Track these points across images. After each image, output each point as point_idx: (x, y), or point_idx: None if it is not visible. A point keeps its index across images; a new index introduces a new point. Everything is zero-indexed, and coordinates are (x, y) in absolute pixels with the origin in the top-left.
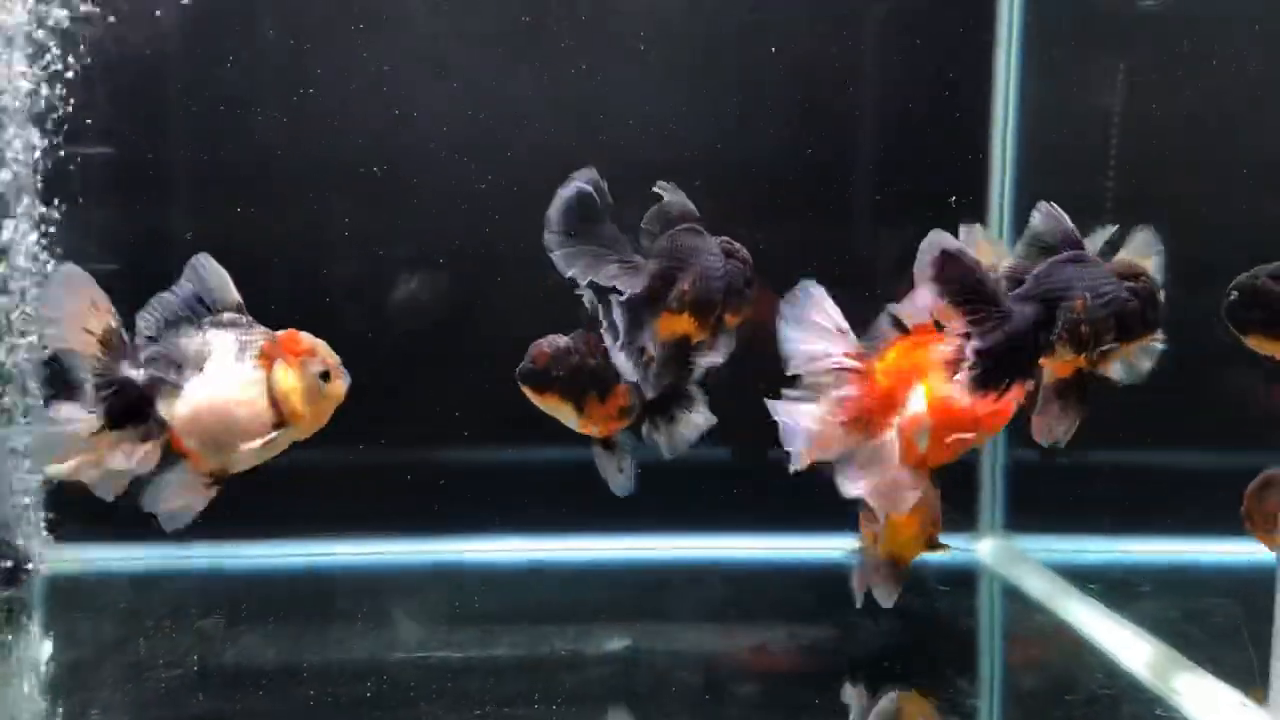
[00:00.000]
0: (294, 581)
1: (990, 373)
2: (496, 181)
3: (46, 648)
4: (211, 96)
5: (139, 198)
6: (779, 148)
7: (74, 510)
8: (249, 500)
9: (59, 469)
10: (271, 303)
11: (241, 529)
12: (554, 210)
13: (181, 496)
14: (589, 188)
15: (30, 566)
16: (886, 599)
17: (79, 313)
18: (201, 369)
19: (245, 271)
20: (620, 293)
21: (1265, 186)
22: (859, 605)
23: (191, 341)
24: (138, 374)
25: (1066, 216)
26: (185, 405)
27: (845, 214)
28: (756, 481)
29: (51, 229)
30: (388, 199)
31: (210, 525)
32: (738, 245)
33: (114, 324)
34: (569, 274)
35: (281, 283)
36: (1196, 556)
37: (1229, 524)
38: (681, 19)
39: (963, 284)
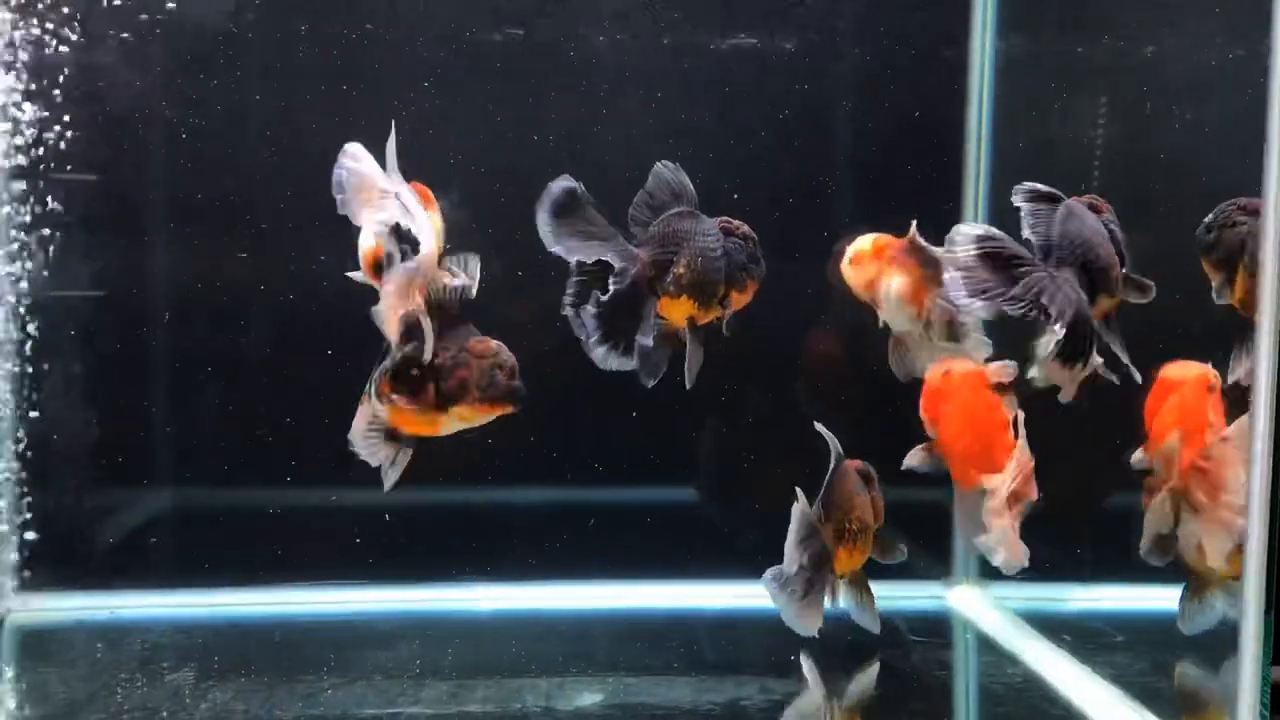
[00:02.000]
0: (264, 630)
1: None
2: (481, 225)
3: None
4: (199, 127)
5: (123, 227)
6: (753, 172)
7: (43, 558)
8: (218, 548)
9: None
10: (256, 338)
11: (211, 576)
12: (544, 197)
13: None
14: (575, 183)
15: None
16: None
17: None
18: None
19: (231, 304)
20: (616, 279)
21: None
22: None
23: None
24: None
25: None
26: None
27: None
28: (729, 527)
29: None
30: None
31: (181, 573)
32: (737, 223)
33: None
34: (554, 249)
35: (265, 316)
36: (1171, 606)
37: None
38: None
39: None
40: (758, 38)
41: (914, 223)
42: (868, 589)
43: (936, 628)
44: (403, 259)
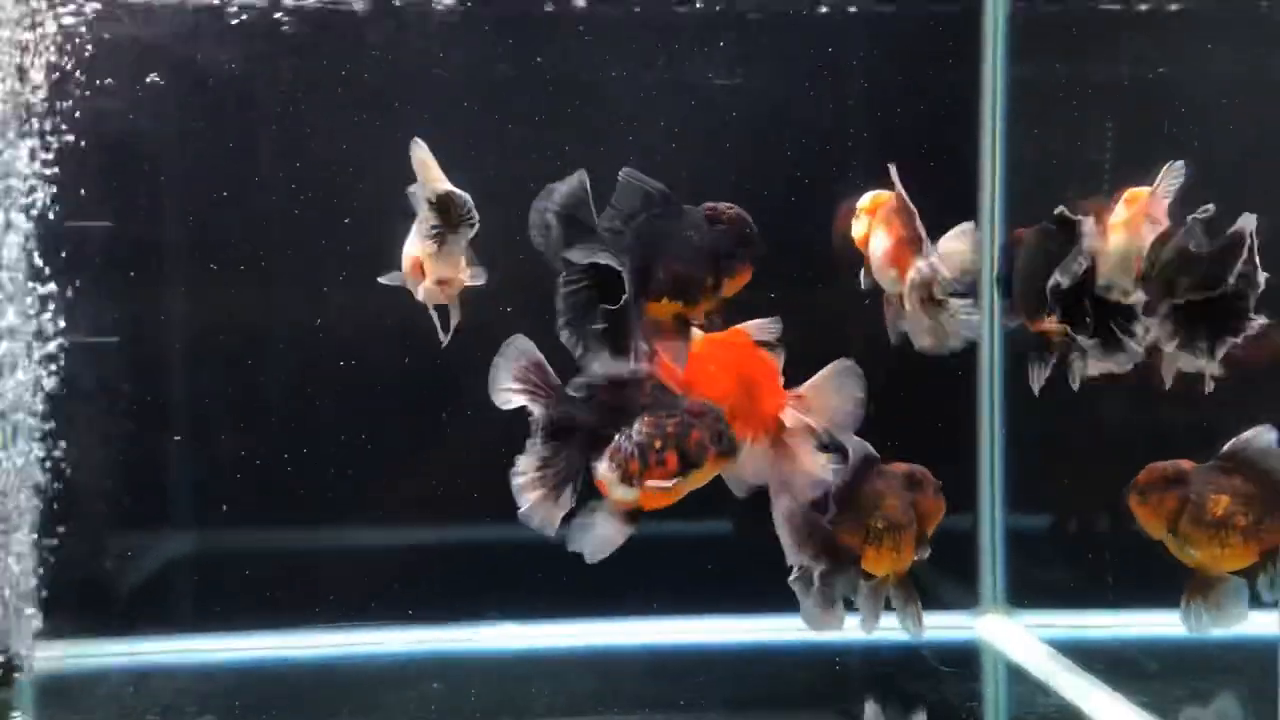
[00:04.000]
0: (285, 674)
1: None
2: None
3: None
4: (210, 172)
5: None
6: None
7: (64, 605)
8: (239, 592)
9: None
10: (275, 380)
11: (231, 621)
12: (559, 188)
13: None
14: (575, 186)
15: (20, 667)
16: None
17: None
18: None
19: (250, 346)
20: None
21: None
22: None
23: None
24: None
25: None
26: None
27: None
28: (754, 561)
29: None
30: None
31: (202, 618)
32: (724, 207)
33: None
34: (548, 255)
35: (285, 358)
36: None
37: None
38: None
39: None
40: (767, 61)
41: (894, 171)
42: (911, 591)
43: (965, 658)
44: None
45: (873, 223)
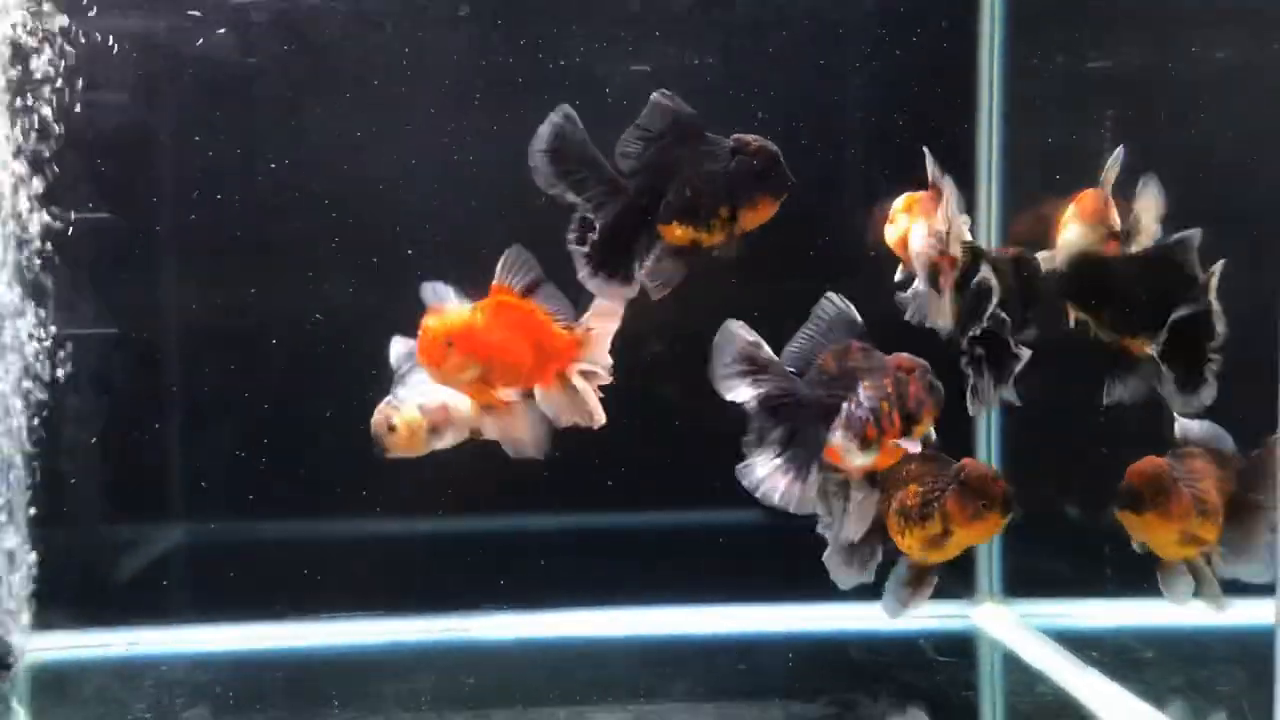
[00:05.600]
0: (280, 664)
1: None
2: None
3: None
4: (211, 164)
5: (139, 264)
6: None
7: (59, 595)
8: (234, 582)
9: None
10: (270, 372)
11: (226, 611)
12: (535, 140)
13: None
14: (562, 120)
15: (13, 659)
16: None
17: None
18: None
19: (245, 339)
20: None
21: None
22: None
23: None
24: None
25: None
26: None
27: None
28: (752, 551)
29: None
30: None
31: (197, 608)
32: (751, 138)
33: None
34: (551, 193)
35: (280, 350)
36: (1201, 621)
37: (1233, 587)
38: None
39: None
40: (762, 45)
41: (929, 157)
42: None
43: (962, 647)
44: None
45: (911, 219)
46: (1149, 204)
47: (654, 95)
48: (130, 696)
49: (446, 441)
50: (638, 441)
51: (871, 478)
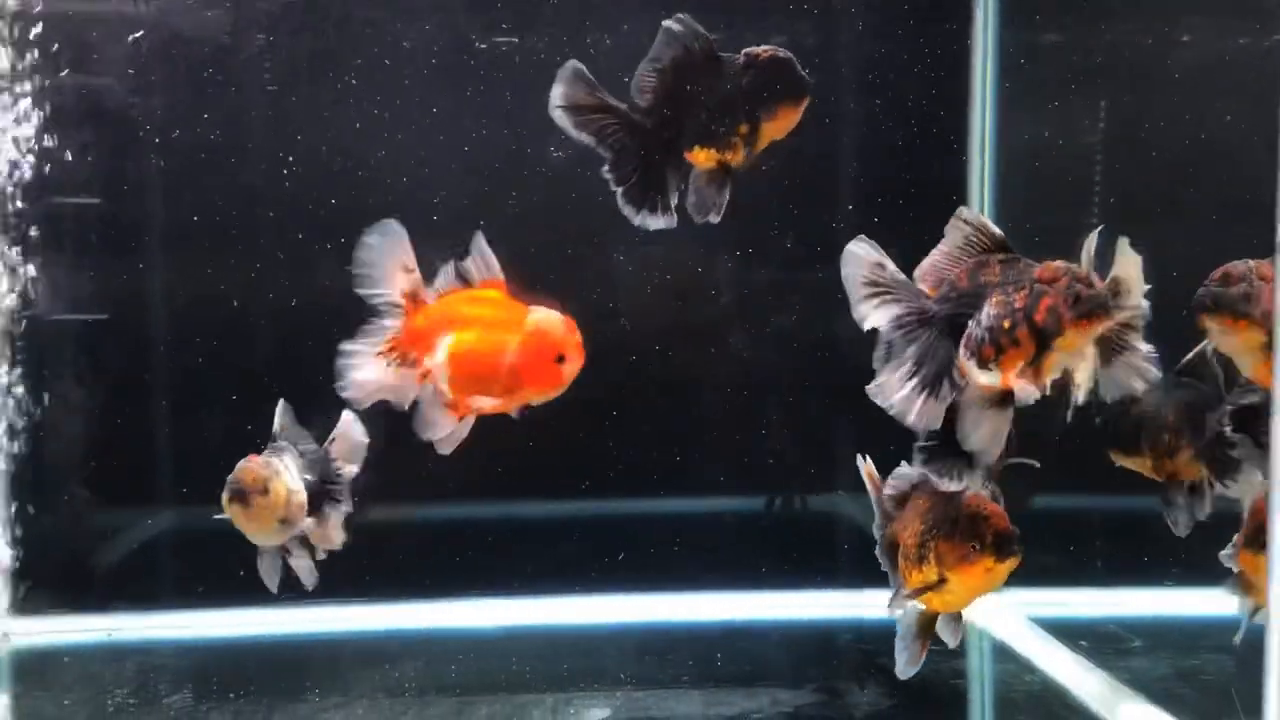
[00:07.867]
0: (263, 650)
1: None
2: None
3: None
4: (199, 148)
5: (125, 249)
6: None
7: (41, 580)
8: (216, 568)
9: None
10: (255, 358)
11: (209, 597)
12: (554, 87)
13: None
14: (573, 72)
15: None
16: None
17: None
18: None
19: (231, 324)
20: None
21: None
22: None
23: None
24: None
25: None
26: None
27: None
28: (739, 538)
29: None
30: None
31: (179, 594)
32: (762, 49)
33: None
34: (577, 135)
35: (266, 336)
36: (1190, 610)
37: (1223, 575)
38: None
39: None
40: (753, 36)
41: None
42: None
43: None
44: None
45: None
46: (1127, 264)
47: (665, 22)
48: (112, 681)
49: (290, 534)
50: (625, 428)
51: (1005, 397)
